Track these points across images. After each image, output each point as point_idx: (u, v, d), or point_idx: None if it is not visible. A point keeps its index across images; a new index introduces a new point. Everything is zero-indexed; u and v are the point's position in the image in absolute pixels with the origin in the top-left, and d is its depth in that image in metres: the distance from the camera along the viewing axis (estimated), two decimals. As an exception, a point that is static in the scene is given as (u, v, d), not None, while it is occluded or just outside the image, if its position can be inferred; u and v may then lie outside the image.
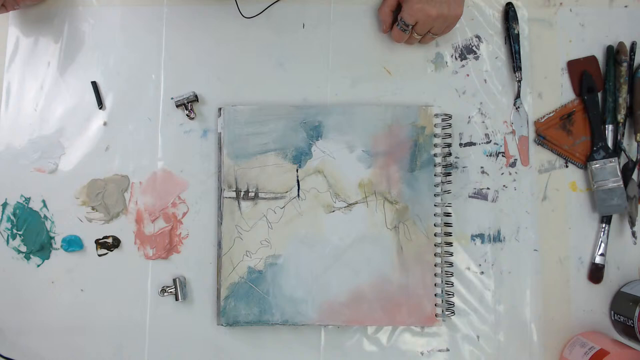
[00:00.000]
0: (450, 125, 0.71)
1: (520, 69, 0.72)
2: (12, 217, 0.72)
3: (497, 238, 0.72)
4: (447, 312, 0.69)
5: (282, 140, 0.70)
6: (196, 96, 0.72)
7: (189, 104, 0.71)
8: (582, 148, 0.73)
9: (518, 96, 0.73)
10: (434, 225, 0.69)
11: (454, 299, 0.70)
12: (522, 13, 0.74)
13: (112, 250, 0.71)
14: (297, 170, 0.70)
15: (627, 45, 0.73)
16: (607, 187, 0.71)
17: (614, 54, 0.73)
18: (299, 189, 0.70)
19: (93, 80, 0.73)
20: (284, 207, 0.70)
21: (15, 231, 0.72)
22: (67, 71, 0.73)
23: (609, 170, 0.71)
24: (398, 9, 0.69)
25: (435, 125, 0.71)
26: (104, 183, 0.72)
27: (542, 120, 0.73)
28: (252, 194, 0.70)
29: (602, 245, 0.71)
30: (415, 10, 0.66)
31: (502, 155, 0.73)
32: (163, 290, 0.70)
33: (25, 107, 0.73)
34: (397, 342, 0.70)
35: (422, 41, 0.71)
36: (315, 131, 0.70)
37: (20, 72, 0.74)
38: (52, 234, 0.71)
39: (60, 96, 0.73)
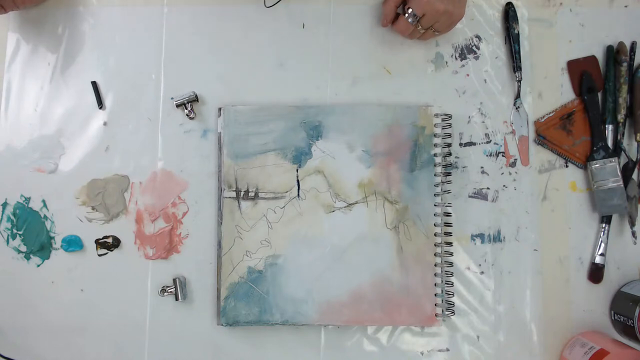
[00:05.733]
0: (450, 125, 0.71)
1: (520, 69, 0.72)
2: (12, 217, 0.72)
3: (497, 238, 0.72)
4: (447, 312, 0.69)
5: (282, 140, 0.70)
6: (196, 96, 0.72)
7: (189, 104, 0.71)
8: (582, 148, 0.73)
9: (518, 96, 0.73)
10: (434, 225, 0.69)
11: (454, 299, 0.70)
12: (522, 13, 0.74)
13: (112, 250, 0.71)
14: (297, 170, 0.70)
15: (627, 45, 0.73)
16: (607, 187, 0.71)
17: (614, 54, 0.73)
18: (299, 189, 0.70)
19: (93, 80, 0.73)
20: (284, 207, 0.70)
21: (15, 231, 0.72)
22: (67, 71, 0.73)
23: (609, 170, 0.71)
24: (402, 4, 0.69)
25: (435, 125, 0.71)
26: (104, 183, 0.72)
27: (542, 120, 0.73)
28: (252, 194, 0.70)
29: (602, 245, 0.71)
30: (424, 3, 0.66)
31: (502, 155, 0.73)
32: (163, 290, 0.70)
33: (26, 107, 0.73)
34: (397, 342, 0.70)
35: (423, 37, 0.71)
36: (315, 131, 0.70)
37: (20, 72, 0.74)
38: (52, 234, 0.71)
39: (60, 96, 0.73)
